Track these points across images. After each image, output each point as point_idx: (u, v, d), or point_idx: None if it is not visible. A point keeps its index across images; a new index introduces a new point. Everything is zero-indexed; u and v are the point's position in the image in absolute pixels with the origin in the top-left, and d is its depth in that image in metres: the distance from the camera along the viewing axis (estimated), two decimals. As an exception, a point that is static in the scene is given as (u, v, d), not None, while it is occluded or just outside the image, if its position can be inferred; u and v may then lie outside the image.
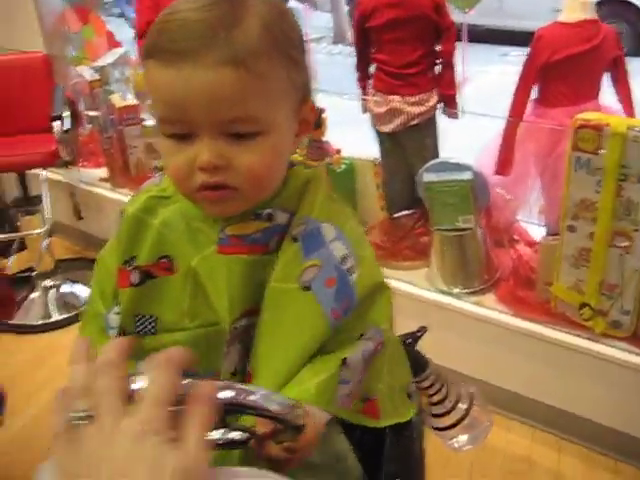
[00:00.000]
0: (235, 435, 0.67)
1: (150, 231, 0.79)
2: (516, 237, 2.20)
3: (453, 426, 1.03)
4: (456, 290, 2.08)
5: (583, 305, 1.82)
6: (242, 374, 0.78)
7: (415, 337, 1.00)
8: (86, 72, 2.95)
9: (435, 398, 1.03)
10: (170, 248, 0.79)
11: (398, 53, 1.97)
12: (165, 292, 0.79)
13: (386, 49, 2.00)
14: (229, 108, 0.68)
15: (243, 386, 0.60)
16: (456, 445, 1.05)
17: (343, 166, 2.23)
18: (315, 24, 6.78)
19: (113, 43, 3.21)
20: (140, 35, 3.02)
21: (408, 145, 2.11)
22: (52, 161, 2.63)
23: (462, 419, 1.02)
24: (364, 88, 2.15)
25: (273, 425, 0.65)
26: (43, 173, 2.69)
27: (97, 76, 2.92)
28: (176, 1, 0.71)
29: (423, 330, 1.01)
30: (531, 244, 2.17)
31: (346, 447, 0.84)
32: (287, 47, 0.72)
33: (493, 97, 2.43)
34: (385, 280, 0.85)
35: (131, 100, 2.86)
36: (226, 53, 0.66)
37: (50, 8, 3.18)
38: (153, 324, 0.79)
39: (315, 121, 2.06)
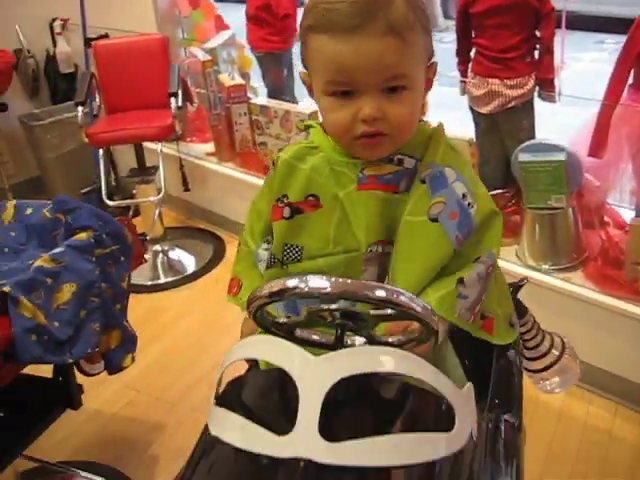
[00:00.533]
0: (359, 340, 0.82)
1: (300, 174, 0.96)
2: (606, 219, 2.27)
3: (545, 369, 1.16)
4: (545, 267, 2.18)
5: (671, 284, 1.89)
6: None
7: (517, 286, 1.13)
8: (199, 53, 3.16)
9: (531, 343, 1.15)
10: (317, 188, 0.95)
11: (498, 38, 2.07)
12: (312, 224, 0.95)
13: (487, 34, 2.10)
14: (389, 69, 0.85)
15: (393, 287, 0.75)
16: (548, 387, 1.18)
17: (440, 145, 2.34)
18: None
19: (222, 26, 3.41)
20: (249, 18, 3.22)
21: (504, 126, 2.21)
22: (168, 135, 2.86)
23: (554, 364, 1.15)
24: (464, 71, 2.26)
25: (400, 331, 0.81)
26: (159, 146, 2.91)
27: (209, 57, 3.12)
28: None
29: (525, 280, 1.14)
30: (621, 226, 2.23)
31: (454, 362, 0.99)
32: (423, 19, 0.88)
33: (586, 83, 2.49)
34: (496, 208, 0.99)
35: (238, 79, 3.05)
36: (386, 26, 0.82)
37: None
38: (299, 252, 0.96)
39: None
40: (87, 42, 3.35)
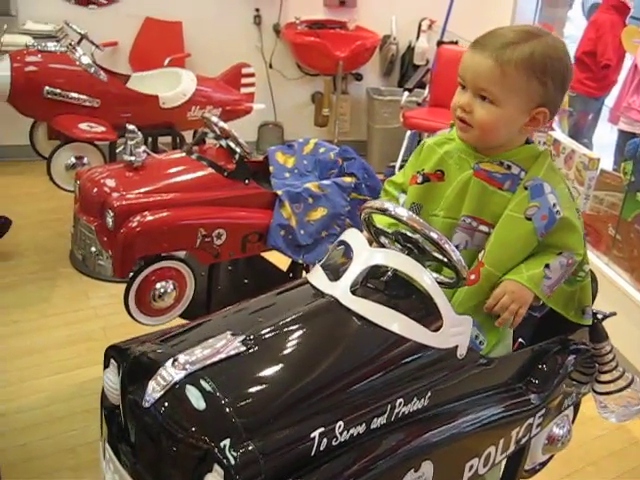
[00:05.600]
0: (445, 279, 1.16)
1: (436, 155, 1.31)
2: None
3: (608, 394, 1.36)
4: None
5: None
6: (464, 249, 1.25)
7: (605, 315, 1.35)
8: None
9: (605, 367, 1.36)
10: (445, 167, 1.29)
11: None
12: (434, 191, 1.29)
13: None
14: (483, 82, 1.17)
15: (444, 237, 1.08)
16: (606, 414, 1.38)
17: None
18: None
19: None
20: (575, 59, 3.44)
21: None
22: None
23: (619, 391, 1.34)
24: None
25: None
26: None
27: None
28: (509, 26, 1.23)
29: (612, 314, 1.35)
30: None
31: (508, 331, 1.27)
32: (539, 71, 1.16)
33: None
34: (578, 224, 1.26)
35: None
36: (496, 55, 1.15)
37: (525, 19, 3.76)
38: (418, 209, 1.30)
39: None
40: (439, 44, 3.88)
